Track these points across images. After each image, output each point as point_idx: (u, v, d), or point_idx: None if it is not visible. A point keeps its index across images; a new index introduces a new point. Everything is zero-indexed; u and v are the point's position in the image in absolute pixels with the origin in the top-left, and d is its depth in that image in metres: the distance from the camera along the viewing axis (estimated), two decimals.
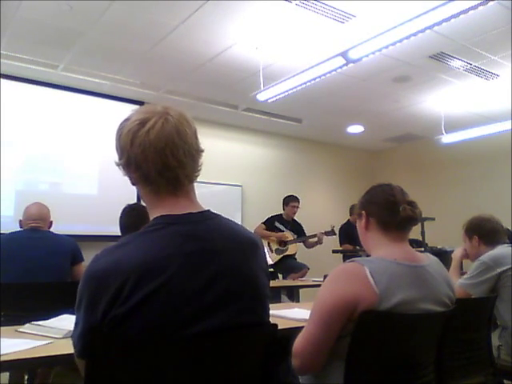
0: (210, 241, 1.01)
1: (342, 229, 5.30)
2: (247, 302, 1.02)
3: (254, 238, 1.11)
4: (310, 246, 5.06)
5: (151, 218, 1.06)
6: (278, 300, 3.92)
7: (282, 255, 4.91)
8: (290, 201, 5.07)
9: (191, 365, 0.94)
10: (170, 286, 0.92)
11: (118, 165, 1.07)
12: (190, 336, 0.93)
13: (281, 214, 5.12)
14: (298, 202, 5.08)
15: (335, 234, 5.02)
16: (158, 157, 1.00)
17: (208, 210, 1.08)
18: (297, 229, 5.10)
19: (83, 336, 0.95)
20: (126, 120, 1.06)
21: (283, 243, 4.96)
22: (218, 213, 1.10)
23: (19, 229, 2.71)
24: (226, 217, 1.11)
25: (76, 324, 0.98)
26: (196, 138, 1.08)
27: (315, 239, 4.92)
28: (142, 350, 0.92)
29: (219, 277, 0.98)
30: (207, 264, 0.98)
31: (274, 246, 4.95)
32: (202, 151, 1.10)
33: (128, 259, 0.93)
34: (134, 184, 1.09)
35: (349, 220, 5.29)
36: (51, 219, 2.80)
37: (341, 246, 5.26)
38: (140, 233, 1.01)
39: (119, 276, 0.91)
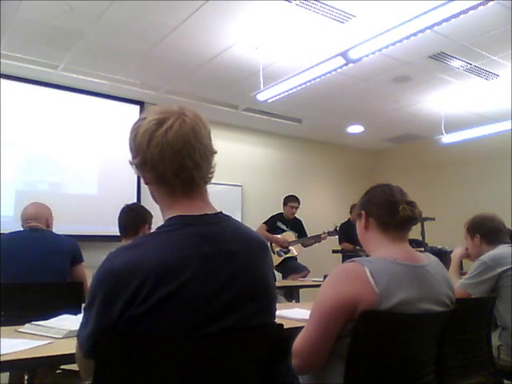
0: (226, 243, 1.01)
1: (341, 227, 5.29)
2: (260, 303, 1.04)
3: (264, 241, 1.13)
4: (308, 244, 5.06)
5: (165, 219, 1.04)
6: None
7: (283, 257, 4.91)
8: (289, 201, 5.07)
9: (203, 365, 0.96)
10: (187, 287, 0.93)
11: (131, 164, 1.06)
12: (205, 337, 0.94)
13: (282, 213, 5.12)
14: (298, 202, 5.06)
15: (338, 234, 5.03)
16: (175, 158, 0.99)
17: (220, 212, 1.08)
18: (297, 226, 5.09)
19: (93, 335, 0.94)
20: (142, 119, 1.04)
21: (285, 246, 4.95)
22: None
23: (19, 229, 2.69)
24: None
25: (85, 323, 0.96)
26: (210, 139, 1.07)
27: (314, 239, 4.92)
28: (157, 350, 0.92)
29: (234, 279, 0.99)
30: (223, 266, 0.98)
31: (276, 248, 4.95)
32: (215, 152, 1.09)
33: (146, 259, 0.92)
34: (147, 183, 1.08)
35: (349, 219, 5.29)
36: (51, 219, 2.78)
37: (340, 244, 5.25)
38: (156, 232, 1.00)
39: (138, 276, 0.90)
